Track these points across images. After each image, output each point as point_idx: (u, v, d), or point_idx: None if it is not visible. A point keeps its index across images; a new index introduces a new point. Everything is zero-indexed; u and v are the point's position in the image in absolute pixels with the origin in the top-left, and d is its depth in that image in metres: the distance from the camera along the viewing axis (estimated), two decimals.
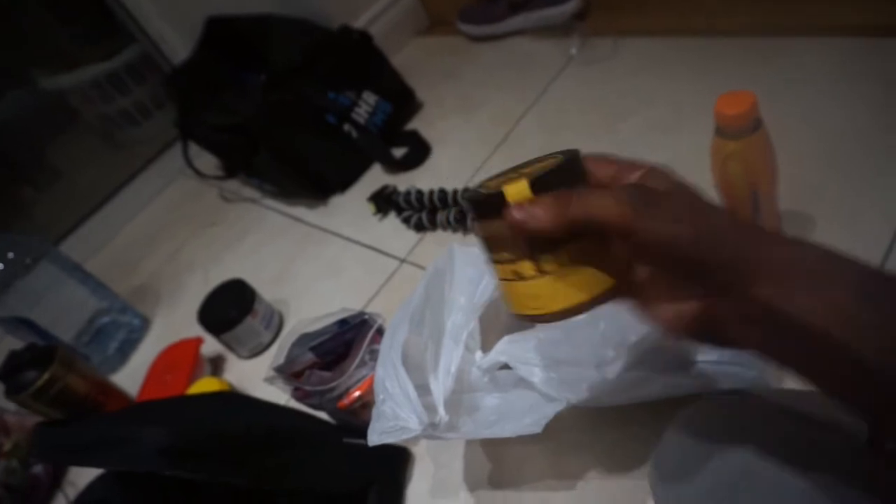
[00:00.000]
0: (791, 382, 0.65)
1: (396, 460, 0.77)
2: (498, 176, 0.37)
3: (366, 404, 0.75)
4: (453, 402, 0.61)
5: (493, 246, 0.36)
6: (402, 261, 1.05)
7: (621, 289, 0.35)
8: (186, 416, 0.75)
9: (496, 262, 0.36)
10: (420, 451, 0.78)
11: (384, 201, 1.14)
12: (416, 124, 1.31)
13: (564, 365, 0.57)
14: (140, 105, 1.73)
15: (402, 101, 1.33)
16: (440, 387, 0.60)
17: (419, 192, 1.07)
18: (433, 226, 1.06)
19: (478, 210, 0.35)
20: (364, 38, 1.29)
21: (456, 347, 0.62)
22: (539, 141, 1.11)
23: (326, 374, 0.76)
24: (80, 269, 1.17)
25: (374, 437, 0.58)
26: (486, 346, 0.66)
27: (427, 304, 0.66)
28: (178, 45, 1.44)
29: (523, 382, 0.60)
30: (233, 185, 1.44)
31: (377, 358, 0.66)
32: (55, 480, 1.03)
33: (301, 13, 1.33)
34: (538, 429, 0.55)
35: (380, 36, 1.32)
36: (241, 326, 0.99)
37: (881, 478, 0.37)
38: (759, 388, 0.60)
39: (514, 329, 0.64)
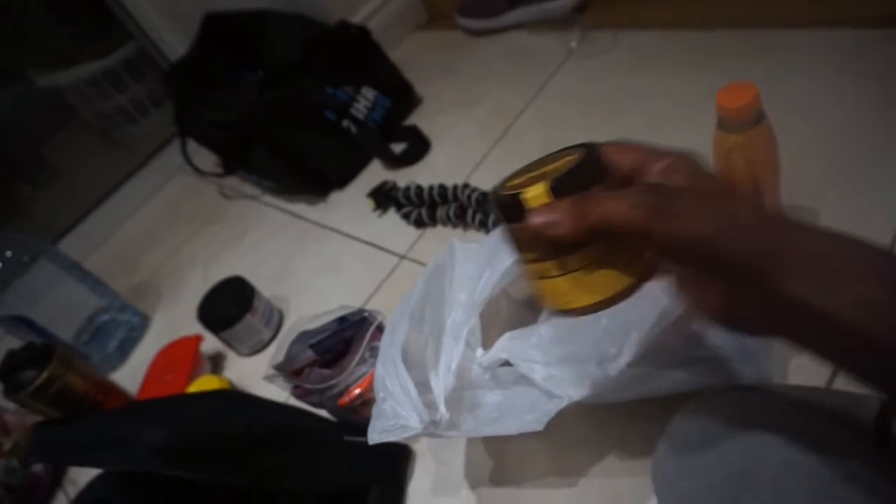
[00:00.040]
0: (795, 378, 0.64)
1: (397, 458, 0.76)
2: (520, 173, 0.37)
3: (366, 402, 0.75)
4: (454, 399, 0.60)
5: (519, 246, 0.36)
6: (402, 257, 1.05)
7: (647, 281, 0.35)
8: (186, 415, 0.75)
9: (523, 260, 0.36)
10: (421, 449, 0.78)
11: (384, 197, 1.13)
12: (415, 119, 1.30)
13: (566, 362, 0.57)
14: (138, 102, 1.72)
15: (401, 97, 1.32)
16: (441, 384, 0.59)
17: (419, 188, 1.07)
18: (433, 221, 1.05)
19: (499, 213, 0.35)
20: (362, 33, 1.28)
21: (456, 345, 0.62)
22: (539, 135, 1.10)
23: (326, 371, 0.76)
24: (78, 267, 1.16)
25: (375, 436, 0.58)
26: (486, 343, 0.65)
27: (427, 301, 0.65)
28: (176, 42, 1.43)
29: (524, 379, 0.60)
30: (232, 181, 1.43)
31: (377, 355, 0.65)
32: (56, 479, 1.03)
33: (298, 8, 1.33)
34: (540, 426, 0.55)
35: (378, 31, 1.31)
36: (241, 324, 0.99)
37: (889, 473, 0.37)
38: (762, 383, 0.59)
39: (515, 325, 0.63)
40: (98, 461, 0.66)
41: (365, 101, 1.25)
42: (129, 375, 1.11)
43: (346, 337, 0.78)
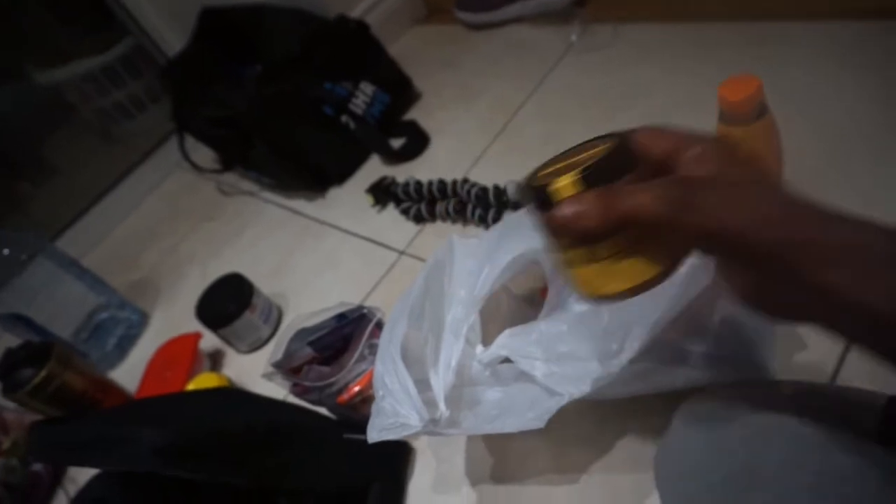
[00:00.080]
0: (798, 373, 0.64)
1: (397, 456, 0.76)
2: (552, 162, 0.37)
3: (366, 399, 0.74)
4: (454, 396, 0.60)
5: (549, 233, 0.36)
6: (402, 253, 1.04)
7: (677, 269, 0.35)
8: (185, 414, 0.74)
9: (554, 247, 0.37)
10: (421, 446, 0.78)
11: (383, 193, 1.13)
12: (414, 114, 1.30)
13: (567, 359, 0.56)
14: (135, 98, 1.71)
15: (400, 92, 1.31)
16: (440, 382, 0.59)
17: (418, 183, 1.06)
18: (432, 217, 1.05)
19: (530, 202, 0.36)
20: (361, 27, 1.27)
21: (456, 341, 0.61)
22: (539, 130, 1.10)
23: (325, 369, 0.75)
24: (76, 264, 1.16)
25: (374, 434, 0.57)
26: (486, 340, 0.64)
27: (426, 298, 0.65)
28: (173, 38, 1.43)
29: (525, 376, 0.59)
30: (230, 178, 1.43)
31: (376, 352, 0.65)
32: (56, 478, 1.02)
33: (296, 3, 1.32)
34: (541, 424, 0.54)
35: (377, 25, 1.30)
36: (240, 321, 0.98)
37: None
38: (765, 378, 0.59)
39: (515, 322, 0.63)
40: (97, 461, 0.66)
41: (363, 96, 1.24)
42: (128, 373, 1.10)
43: (345, 334, 0.77)
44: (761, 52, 0.96)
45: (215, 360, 1.06)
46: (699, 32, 1.07)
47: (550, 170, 0.36)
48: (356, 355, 0.74)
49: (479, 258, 0.65)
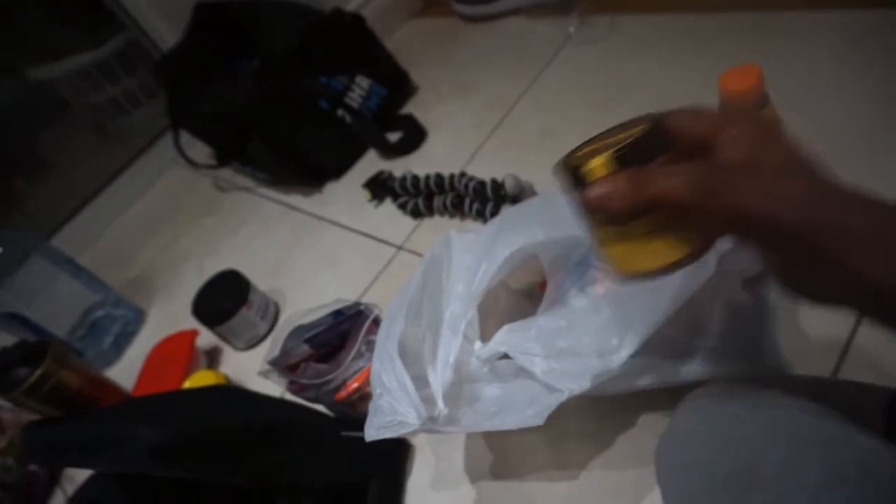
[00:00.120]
0: (801, 366, 0.63)
1: (396, 453, 0.75)
2: (590, 142, 0.38)
3: (364, 396, 0.74)
4: (452, 393, 0.59)
5: (583, 212, 0.37)
6: (399, 248, 1.04)
7: (711, 248, 0.36)
8: (182, 413, 0.74)
9: (589, 225, 0.37)
10: (420, 443, 0.77)
11: (380, 187, 1.12)
12: (411, 108, 1.29)
13: (566, 355, 0.55)
14: (130, 94, 1.70)
15: (397, 85, 1.30)
16: (439, 379, 0.58)
17: (415, 178, 1.05)
18: (430, 211, 1.04)
19: (565, 181, 0.37)
20: (357, 20, 1.26)
21: (454, 338, 0.60)
22: (536, 123, 1.09)
23: (322, 366, 0.74)
24: (72, 262, 1.15)
25: (372, 433, 0.57)
26: (485, 336, 0.64)
27: (424, 294, 0.64)
28: (167, 32, 1.41)
29: (524, 372, 0.59)
30: (226, 173, 1.42)
31: (374, 349, 0.64)
32: (53, 477, 1.02)
33: None
34: (540, 421, 0.54)
35: (373, 18, 1.29)
36: (236, 318, 0.97)
37: None
38: (767, 373, 0.58)
39: (513, 317, 0.62)
40: (92, 462, 0.66)
41: (360, 89, 1.23)
42: (125, 371, 1.10)
43: (342, 331, 0.76)
44: (761, 44, 0.95)
45: (212, 357, 1.05)
46: (697, 23, 1.06)
47: (587, 150, 0.36)
48: (353, 352, 0.73)
49: (476, 253, 0.64)
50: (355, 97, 1.22)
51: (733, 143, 0.33)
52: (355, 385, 0.73)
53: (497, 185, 0.94)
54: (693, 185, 0.31)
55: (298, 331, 0.79)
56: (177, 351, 1.01)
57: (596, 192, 0.33)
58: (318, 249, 1.14)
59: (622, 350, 0.54)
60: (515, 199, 0.92)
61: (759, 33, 0.97)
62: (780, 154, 0.32)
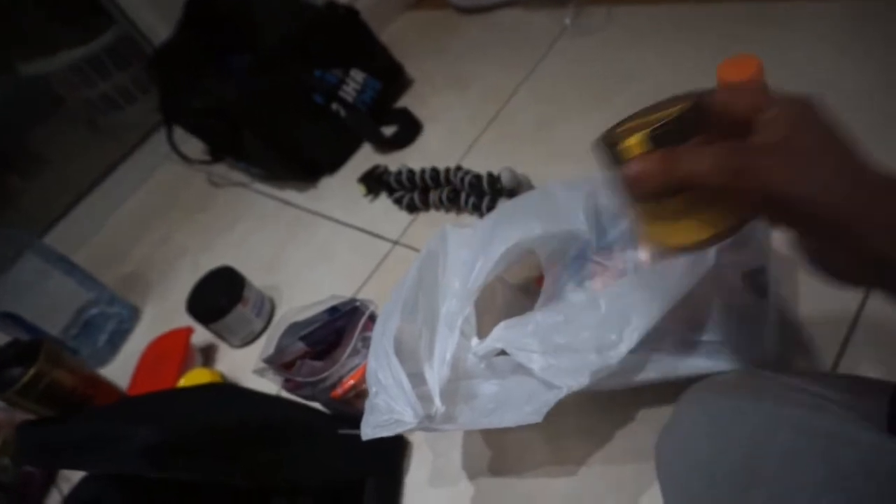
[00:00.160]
0: (800, 360, 0.63)
1: (393, 451, 0.75)
2: (631, 118, 0.39)
3: (360, 393, 0.73)
4: (449, 390, 0.58)
5: (620, 188, 0.37)
6: (395, 243, 1.03)
7: (748, 224, 0.36)
8: (177, 412, 0.73)
9: (626, 201, 0.38)
10: (417, 440, 0.76)
11: (375, 182, 1.11)
12: (406, 101, 1.28)
13: (564, 351, 0.55)
14: (123, 89, 1.68)
15: (392, 78, 1.29)
16: (435, 376, 0.57)
17: (410, 172, 1.04)
18: (426, 206, 1.03)
19: (603, 158, 0.37)
20: (350, 13, 1.25)
21: (451, 334, 0.60)
22: (533, 115, 1.08)
23: (318, 363, 0.74)
24: (65, 260, 1.14)
25: (369, 431, 0.56)
26: (482, 332, 0.63)
27: (420, 290, 0.63)
28: (159, 26, 1.40)
29: (522, 368, 0.58)
30: (220, 169, 1.41)
31: (370, 346, 0.63)
32: (49, 476, 1.01)
33: None
34: (538, 418, 0.53)
35: (366, 11, 1.28)
36: (232, 315, 0.97)
37: None
38: (767, 367, 0.58)
39: (511, 312, 0.61)
40: (87, 464, 0.65)
41: (354, 83, 1.22)
42: (120, 369, 1.09)
43: (338, 327, 0.76)
44: (758, 33, 0.95)
45: (208, 354, 1.04)
46: (694, 13, 1.05)
47: (627, 126, 0.37)
48: (349, 349, 0.73)
49: (473, 248, 0.63)
50: (350, 91, 1.21)
51: (770, 123, 0.33)
52: (351, 382, 0.73)
53: (493, 179, 0.93)
54: (720, 167, 0.32)
55: (293, 328, 0.78)
56: (172, 349, 1.01)
57: (629, 170, 0.34)
58: (313, 245, 1.13)
59: (621, 346, 0.53)
60: (512, 193, 0.91)
61: (757, 23, 0.97)
62: (816, 136, 0.32)
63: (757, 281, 0.58)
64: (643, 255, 0.62)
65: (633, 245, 0.63)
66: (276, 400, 0.81)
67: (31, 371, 0.87)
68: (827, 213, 0.30)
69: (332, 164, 1.24)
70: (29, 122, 1.83)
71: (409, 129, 1.20)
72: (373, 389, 0.58)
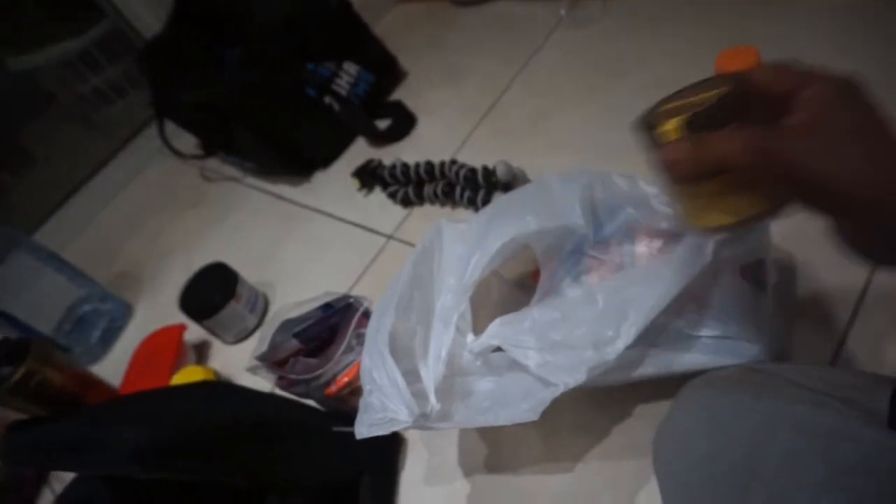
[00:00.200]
0: (799, 355, 0.62)
1: (388, 448, 0.74)
2: (670, 99, 0.39)
3: (355, 390, 0.72)
4: (445, 387, 0.57)
5: (658, 169, 0.38)
6: (389, 237, 1.02)
7: (778, 209, 0.36)
8: (170, 410, 0.72)
9: (665, 181, 0.38)
10: (413, 438, 0.76)
11: (369, 176, 1.10)
12: (399, 94, 1.26)
13: (561, 347, 0.54)
14: (114, 84, 1.67)
15: (385, 71, 1.28)
16: (431, 374, 0.57)
17: (405, 166, 1.03)
18: (420, 200, 1.02)
19: (642, 139, 0.38)
20: (343, 5, 1.24)
21: (446, 331, 0.59)
22: (528, 108, 1.07)
23: (312, 361, 0.73)
24: (56, 257, 1.13)
25: (363, 430, 0.55)
26: (477, 328, 0.62)
27: (414, 286, 0.62)
28: (150, 20, 1.38)
29: (518, 365, 0.57)
30: (213, 163, 1.39)
31: (364, 342, 0.63)
32: (41, 476, 1.00)
33: None
34: (535, 416, 0.52)
35: (359, 3, 1.26)
36: (225, 311, 0.96)
37: None
38: (766, 362, 0.57)
39: (507, 308, 0.61)
40: (78, 465, 0.64)
41: (347, 76, 1.21)
42: (112, 367, 1.08)
43: (332, 324, 0.75)
44: (756, 28, 0.94)
45: (201, 351, 1.03)
46: (692, 4, 1.04)
47: (666, 108, 0.38)
48: (343, 346, 0.72)
49: (468, 243, 0.62)
50: (343, 84, 1.20)
51: (807, 103, 0.32)
52: (346, 379, 0.72)
53: (488, 173, 0.92)
54: (751, 150, 0.32)
55: (287, 325, 0.77)
56: (165, 346, 1.00)
57: (664, 155, 0.35)
58: (306, 240, 1.12)
59: (618, 341, 0.53)
60: (507, 187, 0.90)
61: (754, 16, 0.96)
62: (851, 116, 0.32)
63: (756, 274, 0.57)
64: (640, 248, 0.62)
65: (629, 239, 0.62)
66: (270, 397, 0.80)
67: (21, 370, 0.86)
68: (860, 194, 0.30)
69: (326, 158, 1.22)
70: (19, 118, 1.81)
71: (404, 123, 1.19)
72: (367, 388, 0.57)
